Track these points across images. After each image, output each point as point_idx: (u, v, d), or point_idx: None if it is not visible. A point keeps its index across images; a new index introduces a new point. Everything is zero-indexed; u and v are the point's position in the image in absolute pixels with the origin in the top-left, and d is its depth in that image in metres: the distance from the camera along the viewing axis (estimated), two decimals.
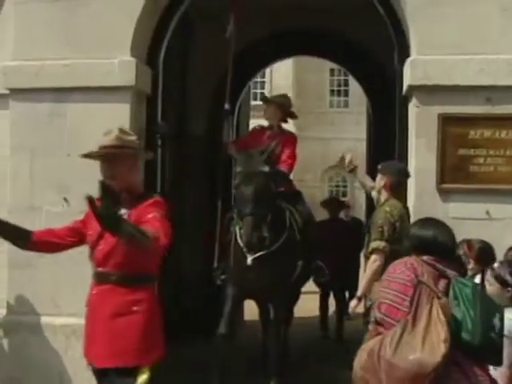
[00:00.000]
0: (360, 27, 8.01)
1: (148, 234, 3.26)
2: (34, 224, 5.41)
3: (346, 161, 5.38)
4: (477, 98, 5.00)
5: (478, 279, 3.70)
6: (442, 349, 2.85)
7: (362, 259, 5.32)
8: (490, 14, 5.04)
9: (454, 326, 2.94)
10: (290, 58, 15.67)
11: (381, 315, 3.06)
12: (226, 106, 6.23)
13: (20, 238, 3.74)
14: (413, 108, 5.17)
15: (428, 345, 2.88)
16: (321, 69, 28.19)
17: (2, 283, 5.64)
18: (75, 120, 5.56)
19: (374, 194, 5.17)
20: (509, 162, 5.02)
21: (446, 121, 5.02)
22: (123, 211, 3.54)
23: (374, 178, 5.20)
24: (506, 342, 3.13)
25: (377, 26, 6.09)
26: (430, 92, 5.05)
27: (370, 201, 6.09)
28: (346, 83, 29.59)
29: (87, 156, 3.77)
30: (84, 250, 5.46)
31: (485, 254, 4.23)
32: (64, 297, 5.49)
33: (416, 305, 2.98)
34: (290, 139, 6.48)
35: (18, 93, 5.64)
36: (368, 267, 4.82)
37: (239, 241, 5.57)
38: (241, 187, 5.49)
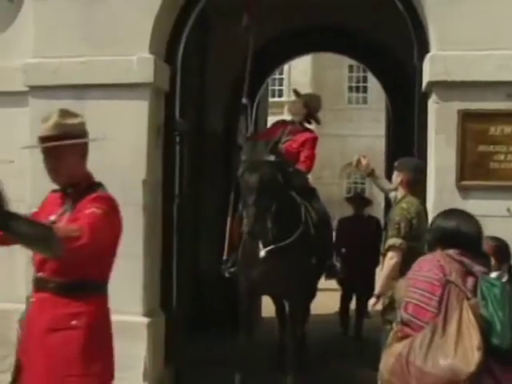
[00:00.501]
0: (379, 23, 7.97)
1: (52, 236, 2.77)
2: None
3: (363, 164, 5.36)
4: (497, 93, 4.95)
5: (505, 278, 3.53)
6: (476, 357, 2.69)
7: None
8: (509, 10, 4.99)
9: (484, 329, 2.77)
10: (309, 54, 15.64)
11: (407, 316, 2.90)
12: (244, 101, 6.20)
13: None
14: (432, 104, 5.13)
15: (461, 350, 2.72)
16: (339, 65, 28.16)
17: (21, 280, 5.68)
18: (93, 117, 5.54)
19: (392, 195, 5.15)
20: None
21: (465, 117, 4.98)
22: (67, 207, 3.13)
23: (392, 176, 5.18)
24: None
25: (396, 21, 6.05)
26: (450, 88, 5.01)
27: (388, 199, 6.05)
28: (365, 79, 29.51)
29: (29, 147, 3.29)
30: None
31: (501, 251, 4.19)
32: None
33: (445, 306, 2.82)
34: (311, 139, 6.46)
35: (38, 90, 5.67)
36: (385, 264, 4.80)
37: None
38: (244, 176, 5.34)
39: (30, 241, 2.82)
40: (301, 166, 6.30)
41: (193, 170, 7.56)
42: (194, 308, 7.74)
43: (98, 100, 5.56)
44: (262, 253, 5.44)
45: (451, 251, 2.97)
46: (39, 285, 3.12)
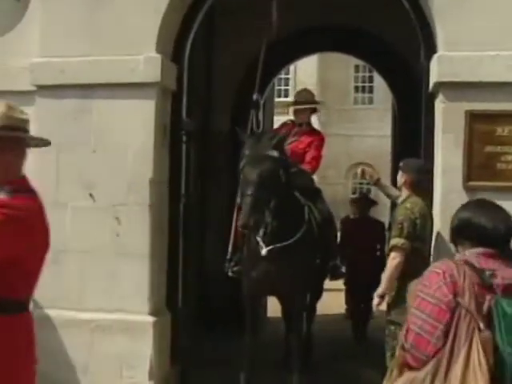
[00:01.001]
0: (385, 23, 7.97)
1: None
2: (59, 219, 5.48)
3: (367, 176, 5.51)
4: (504, 94, 4.93)
5: None
6: None
7: None
8: None
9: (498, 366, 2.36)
10: (315, 54, 15.63)
11: (408, 345, 2.51)
12: (255, 97, 6.13)
13: None
14: (439, 105, 5.11)
15: None
16: (345, 65, 28.14)
17: None
18: (100, 116, 5.59)
19: (399, 201, 5.16)
20: None
21: (473, 118, 4.96)
22: None
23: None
24: None
25: (402, 21, 6.04)
26: (457, 88, 5.00)
27: (394, 203, 6.04)
28: (371, 79, 29.47)
29: None
30: (110, 245, 5.52)
31: None
32: (89, 292, 5.53)
33: (452, 339, 2.40)
34: (317, 140, 6.46)
35: (44, 89, 5.68)
36: (388, 265, 4.80)
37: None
38: (245, 170, 5.23)
39: None
40: (306, 167, 6.30)
41: (199, 169, 7.56)
42: (199, 307, 7.75)
43: (104, 99, 5.57)
44: (264, 252, 5.39)
45: (473, 253, 2.59)
46: None
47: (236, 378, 5.59)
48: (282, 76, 25.09)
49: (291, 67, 24.81)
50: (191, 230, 6.35)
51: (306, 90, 7.00)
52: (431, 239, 4.96)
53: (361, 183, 30.95)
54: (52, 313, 5.52)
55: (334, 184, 26.58)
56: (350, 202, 9.44)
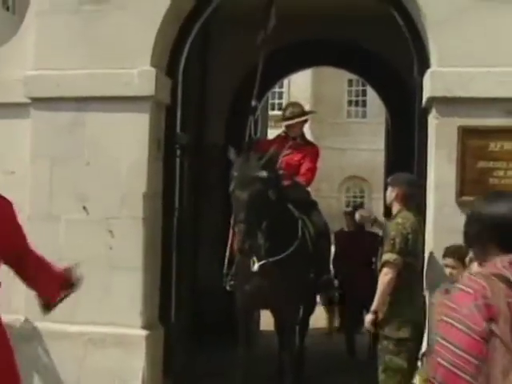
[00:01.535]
0: (379, 37, 8.00)
1: None
2: (52, 232, 5.48)
3: (365, 218, 5.98)
4: (497, 110, 4.97)
5: None
6: None
7: None
8: (509, 27, 5.01)
9: None
10: (309, 68, 15.67)
11: (439, 379, 2.01)
12: (253, 103, 6.12)
13: None
14: (432, 120, 5.14)
15: None
16: (339, 79, 28.20)
17: (20, 292, 5.67)
18: (95, 129, 5.60)
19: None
20: None
21: (465, 133, 4.99)
22: None
23: None
24: None
25: (396, 36, 6.08)
26: (450, 104, 5.03)
27: (387, 212, 6.07)
28: (364, 93, 29.56)
29: None
30: (103, 258, 5.49)
31: None
32: (82, 305, 5.50)
33: (485, 377, 1.94)
34: (312, 152, 6.47)
35: (39, 102, 5.69)
36: (380, 281, 4.78)
37: None
38: (235, 192, 5.27)
39: None
40: (301, 178, 6.30)
41: (193, 185, 7.55)
42: (193, 323, 7.72)
43: (99, 112, 5.58)
44: (255, 267, 5.43)
45: (506, 261, 2.02)
46: None
47: None
48: (276, 90, 25.16)
49: (285, 81, 24.90)
50: (184, 244, 6.34)
51: (292, 105, 6.94)
52: (423, 254, 4.97)
53: (354, 197, 31.04)
54: (43, 326, 5.49)
55: (328, 197, 26.55)
56: (345, 215, 9.40)
